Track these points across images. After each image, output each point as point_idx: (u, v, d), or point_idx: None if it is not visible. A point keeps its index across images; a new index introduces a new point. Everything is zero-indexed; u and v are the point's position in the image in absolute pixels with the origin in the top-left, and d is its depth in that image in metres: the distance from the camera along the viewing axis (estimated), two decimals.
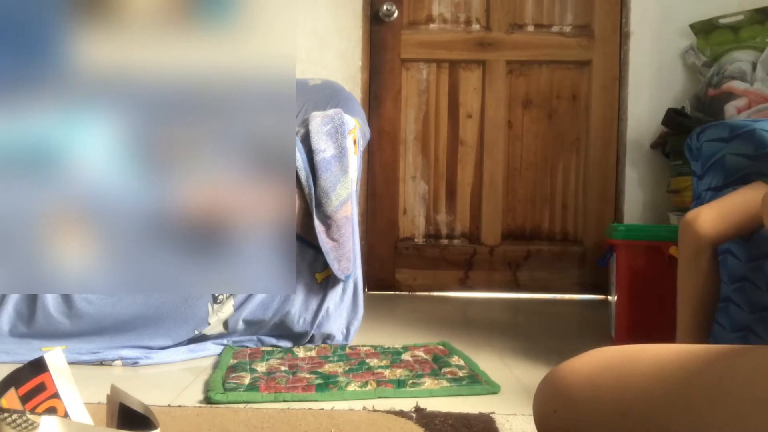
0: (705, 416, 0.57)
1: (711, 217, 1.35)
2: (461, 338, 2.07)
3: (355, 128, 2.00)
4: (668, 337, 1.55)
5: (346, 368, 1.63)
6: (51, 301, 1.76)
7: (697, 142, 1.63)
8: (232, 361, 1.69)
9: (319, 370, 1.62)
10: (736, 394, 0.56)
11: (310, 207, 1.87)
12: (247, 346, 1.88)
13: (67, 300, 1.77)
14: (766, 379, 0.55)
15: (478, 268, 3.05)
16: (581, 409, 0.63)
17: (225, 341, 1.88)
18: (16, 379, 0.92)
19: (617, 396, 0.62)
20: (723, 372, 0.57)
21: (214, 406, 1.38)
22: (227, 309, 1.85)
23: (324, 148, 1.88)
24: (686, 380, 0.58)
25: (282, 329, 1.91)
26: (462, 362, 1.69)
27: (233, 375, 1.55)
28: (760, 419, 0.54)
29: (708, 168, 1.58)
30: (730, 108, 2.40)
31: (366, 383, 1.49)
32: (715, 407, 0.56)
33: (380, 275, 3.08)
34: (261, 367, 1.64)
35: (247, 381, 1.51)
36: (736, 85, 2.46)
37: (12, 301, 1.78)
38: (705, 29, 2.76)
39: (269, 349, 1.86)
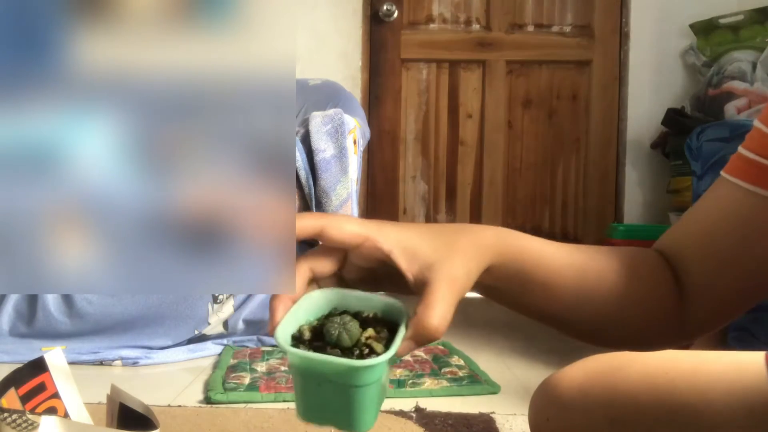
0: (689, 424, 0.57)
1: None
2: (461, 338, 2.07)
3: (355, 128, 2.00)
4: None
5: None
6: (51, 301, 1.76)
7: (697, 142, 1.63)
8: (232, 361, 1.69)
9: None
10: (717, 403, 0.56)
11: (310, 207, 1.87)
12: (247, 346, 1.88)
13: (67, 300, 1.77)
14: (746, 388, 0.55)
15: None
16: (572, 417, 0.64)
17: (225, 341, 1.88)
18: (16, 379, 0.92)
19: (606, 404, 0.62)
20: (706, 380, 0.58)
21: (214, 406, 1.38)
22: (227, 309, 1.85)
23: (324, 148, 1.88)
24: (671, 388, 0.59)
25: None
26: (462, 362, 1.69)
27: (233, 375, 1.55)
28: (741, 429, 0.54)
29: (708, 168, 1.58)
30: (730, 108, 2.40)
31: None
32: (698, 416, 0.57)
33: None
34: (261, 367, 1.64)
35: (247, 381, 1.51)
36: (736, 85, 2.46)
37: (12, 301, 1.78)
38: (705, 29, 2.76)
39: (269, 349, 1.86)
